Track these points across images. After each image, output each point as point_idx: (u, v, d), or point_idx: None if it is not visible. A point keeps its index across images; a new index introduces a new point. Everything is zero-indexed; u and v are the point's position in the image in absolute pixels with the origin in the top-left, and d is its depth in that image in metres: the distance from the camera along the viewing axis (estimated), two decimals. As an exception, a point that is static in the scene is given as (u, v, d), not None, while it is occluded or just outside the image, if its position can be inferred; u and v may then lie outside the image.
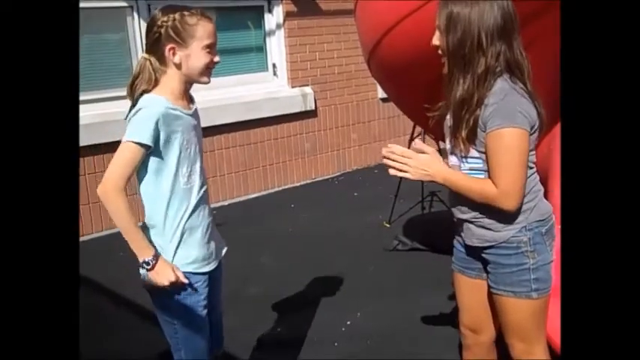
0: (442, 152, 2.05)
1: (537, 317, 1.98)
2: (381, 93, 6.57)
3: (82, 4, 4.44)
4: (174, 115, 1.95)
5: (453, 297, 2.26)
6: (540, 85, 1.94)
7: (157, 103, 1.93)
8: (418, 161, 1.93)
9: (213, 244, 2.10)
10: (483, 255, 2.01)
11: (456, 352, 2.73)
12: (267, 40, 6.10)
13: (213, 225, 2.14)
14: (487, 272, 2.03)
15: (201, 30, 1.94)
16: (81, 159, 4.79)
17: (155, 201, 1.99)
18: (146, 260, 1.94)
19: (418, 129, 4.57)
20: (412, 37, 2.49)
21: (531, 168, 1.93)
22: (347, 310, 3.48)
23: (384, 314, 3.42)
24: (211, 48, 1.97)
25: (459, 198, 1.98)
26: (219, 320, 2.25)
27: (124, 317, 3.54)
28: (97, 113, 4.89)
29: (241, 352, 3.01)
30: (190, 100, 2.09)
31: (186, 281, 1.99)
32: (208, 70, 2.00)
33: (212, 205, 2.16)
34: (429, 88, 2.39)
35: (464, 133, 1.88)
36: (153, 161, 1.95)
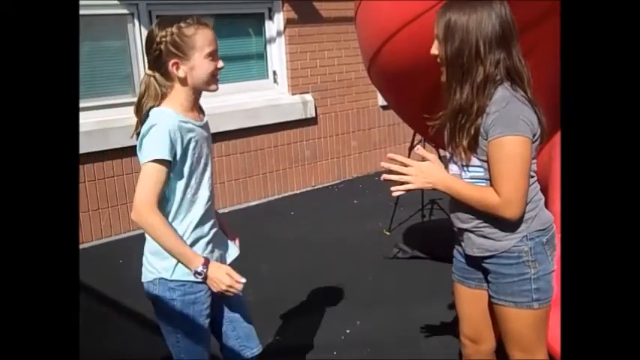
0: (442, 160, 2.04)
1: (538, 327, 1.97)
2: (381, 100, 6.57)
3: (82, 11, 4.46)
4: (186, 128, 1.94)
5: (453, 305, 2.25)
6: (540, 92, 1.93)
7: (167, 116, 1.91)
8: (419, 169, 1.92)
9: (217, 253, 2.08)
10: (484, 265, 2.00)
11: (456, 362, 2.72)
12: (268, 47, 6.11)
13: (218, 233, 2.13)
14: (488, 282, 2.02)
15: (201, 39, 1.93)
16: (80, 166, 4.78)
17: (162, 211, 1.97)
18: (197, 270, 1.93)
19: (418, 137, 4.57)
20: (413, 45, 2.49)
21: (532, 177, 1.92)
22: (346, 318, 3.47)
23: (384, 323, 3.41)
24: (213, 55, 1.96)
25: (460, 207, 1.97)
26: (248, 325, 2.23)
27: (124, 325, 3.52)
28: (97, 120, 4.89)
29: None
30: (200, 111, 2.08)
31: (243, 280, 1.97)
32: (214, 78, 1.99)
33: (212, 213, 2.16)
34: (429, 96, 2.39)
35: (465, 142, 1.87)
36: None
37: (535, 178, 1.95)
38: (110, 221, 5.08)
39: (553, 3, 2.28)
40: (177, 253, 1.93)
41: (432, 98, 2.21)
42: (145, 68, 4.93)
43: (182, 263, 1.95)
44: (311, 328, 3.40)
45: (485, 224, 1.93)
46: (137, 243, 5.08)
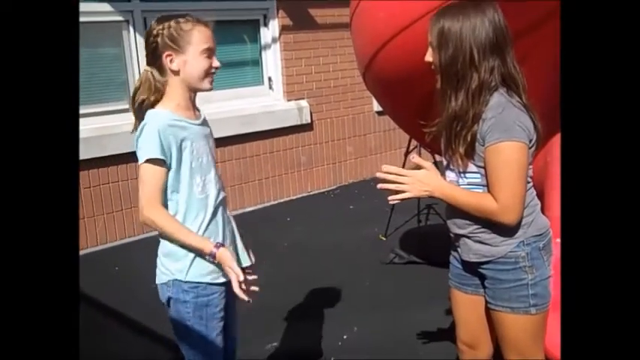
0: (438, 166, 2.04)
1: (535, 333, 1.97)
2: (376, 106, 6.58)
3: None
4: (179, 127, 1.95)
5: (450, 311, 2.25)
6: (535, 98, 1.94)
7: (157, 117, 1.93)
8: (415, 177, 1.92)
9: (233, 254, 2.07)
10: (480, 270, 2.00)
11: (454, 367, 2.72)
12: (263, 53, 6.12)
13: (235, 234, 2.14)
14: (484, 287, 2.03)
15: (198, 35, 1.95)
16: (76, 173, 4.78)
17: (172, 213, 1.98)
18: (212, 253, 1.94)
19: (414, 142, 4.58)
20: (408, 51, 2.50)
21: (528, 182, 1.92)
22: (344, 324, 3.46)
23: (381, 328, 3.40)
24: (209, 52, 1.97)
25: (456, 212, 1.98)
26: (234, 336, 2.24)
27: (121, 332, 3.51)
28: (93, 127, 4.89)
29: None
30: (197, 109, 2.09)
31: (240, 273, 1.96)
32: (208, 76, 1.99)
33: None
34: (424, 102, 2.39)
35: (461, 149, 1.88)
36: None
37: (531, 184, 1.96)
38: (106, 228, 5.07)
39: (546, 10, 2.30)
40: (188, 243, 1.94)
41: (427, 104, 2.22)
42: (140, 75, 4.92)
43: (196, 252, 1.96)
44: (308, 334, 3.39)
45: (481, 230, 1.94)
46: (133, 249, 5.07)
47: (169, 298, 2.02)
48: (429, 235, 4.63)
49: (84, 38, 4.83)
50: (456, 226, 2.01)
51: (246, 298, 1.96)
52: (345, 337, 3.33)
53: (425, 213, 4.86)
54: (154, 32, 1.95)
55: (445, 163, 2.02)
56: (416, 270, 4.22)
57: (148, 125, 1.91)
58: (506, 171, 1.82)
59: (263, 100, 6.08)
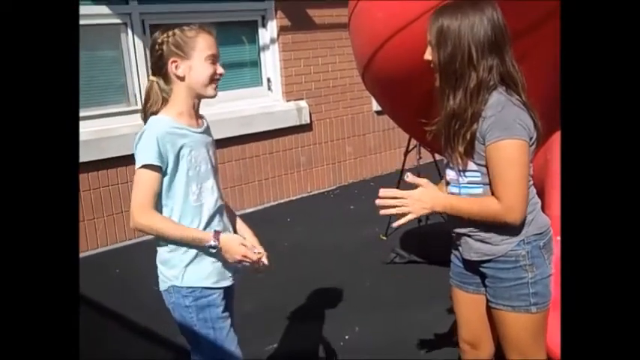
0: (439, 165, 2.04)
1: (536, 332, 1.97)
2: (375, 106, 6.58)
3: (76, 21, 4.45)
4: (179, 134, 1.96)
5: (451, 310, 2.25)
6: (533, 96, 1.94)
7: (158, 123, 1.95)
8: (413, 197, 1.91)
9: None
10: (481, 269, 2.00)
11: (455, 366, 2.72)
12: (262, 54, 6.12)
13: None
14: (485, 286, 2.03)
15: (202, 42, 1.97)
16: (76, 176, 4.77)
17: None
18: (211, 245, 1.96)
19: (413, 142, 4.58)
20: (407, 51, 2.50)
21: (529, 181, 1.92)
22: (345, 324, 3.46)
23: (383, 328, 3.40)
24: (213, 59, 1.99)
25: (456, 211, 1.98)
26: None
27: (121, 334, 3.51)
28: (92, 130, 4.88)
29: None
30: (200, 117, 2.10)
31: (259, 249, 2.06)
32: (213, 82, 2.02)
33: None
34: (423, 102, 2.39)
35: (461, 148, 1.88)
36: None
37: (531, 182, 1.96)
38: (106, 230, 5.07)
39: (546, 10, 2.30)
40: (186, 239, 1.96)
41: (426, 104, 2.22)
42: (138, 78, 4.93)
43: (196, 247, 1.97)
44: (309, 335, 3.39)
45: (482, 228, 1.93)
46: (133, 252, 5.06)
47: (172, 304, 2.04)
48: (430, 235, 4.62)
49: (82, 41, 4.82)
50: (457, 225, 2.01)
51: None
52: (346, 337, 3.33)
53: (425, 212, 4.85)
54: (159, 40, 1.97)
55: (445, 161, 2.02)
56: (417, 269, 4.21)
57: (147, 131, 1.93)
58: (508, 169, 1.82)
59: (262, 101, 6.08)
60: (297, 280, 4.15)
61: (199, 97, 2.04)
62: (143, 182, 1.92)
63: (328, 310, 3.66)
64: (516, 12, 2.09)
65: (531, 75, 1.97)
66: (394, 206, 1.91)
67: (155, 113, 2.00)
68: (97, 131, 4.91)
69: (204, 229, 2.01)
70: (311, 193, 6.41)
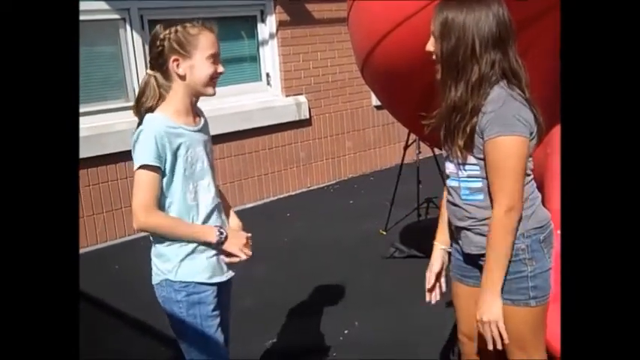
0: (438, 159, 2.03)
1: (536, 325, 1.96)
2: (375, 100, 6.58)
3: (74, 17, 4.44)
4: (175, 133, 1.95)
5: (451, 303, 2.25)
6: (534, 89, 1.93)
7: (155, 122, 1.94)
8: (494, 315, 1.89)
9: (223, 255, 2.08)
10: (481, 262, 2.00)
11: (456, 360, 2.72)
12: (261, 49, 6.11)
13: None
14: (485, 280, 2.02)
15: (204, 40, 1.95)
16: (75, 171, 4.77)
17: None
18: (220, 239, 1.99)
19: (413, 136, 4.58)
20: (406, 45, 2.49)
21: (528, 175, 1.92)
22: (345, 319, 3.46)
23: (382, 323, 3.41)
24: (214, 58, 1.98)
25: (456, 204, 1.97)
26: (226, 334, 2.24)
27: (121, 330, 3.51)
28: (90, 126, 4.88)
29: (238, 363, 3.00)
30: (198, 115, 2.09)
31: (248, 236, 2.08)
32: (213, 81, 2.01)
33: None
34: (423, 96, 2.39)
35: (461, 141, 1.87)
36: None
37: (531, 176, 1.95)
38: (106, 226, 5.07)
39: (548, 1, 2.29)
40: (192, 236, 1.97)
41: (425, 98, 2.21)
42: (137, 73, 4.90)
43: (201, 243, 1.98)
44: (309, 330, 3.40)
45: (482, 222, 1.93)
46: (133, 248, 5.06)
47: (164, 298, 2.04)
48: (429, 229, 4.62)
49: (81, 36, 4.80)
50: (457, 219, 2.01)
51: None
52: (346, 332, 3.33)
53: (424, 207, 4.86)
54: (160, 36, 1.94)
55: (445, 154, 2.01)
56: (416, 264, 4.20)
57: (145, 130, 1.92)
58: (506, 168, 1.81)
59: (261, 96, 6.08)
60: (296, 275, 4.15)
61: (198, 95, 2.03)
62: (143, 183, 1.91)
63: (328, 304, 3.67)
64: (519, 3, 2.09)
65: (534, 67, 1.96)
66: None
67: (150, 109, 1.97)
68: (97, 127, 4.90)
69: None
70: (311, 188, 6.41)
